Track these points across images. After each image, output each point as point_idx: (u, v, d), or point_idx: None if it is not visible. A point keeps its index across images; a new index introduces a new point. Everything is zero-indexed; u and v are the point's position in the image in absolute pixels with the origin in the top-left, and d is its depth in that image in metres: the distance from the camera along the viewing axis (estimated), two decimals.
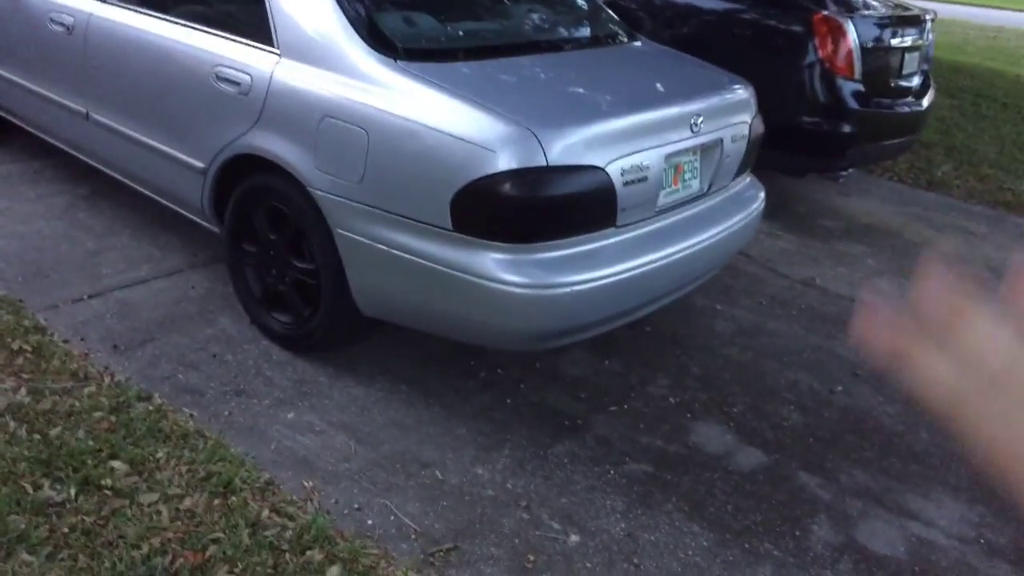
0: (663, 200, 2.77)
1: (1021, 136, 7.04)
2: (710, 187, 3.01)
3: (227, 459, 2.41)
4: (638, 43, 3.56)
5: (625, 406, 2.96)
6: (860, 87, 4.44)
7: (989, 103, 8.06)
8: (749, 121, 3.17)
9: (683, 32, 4.74)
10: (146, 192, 3.56)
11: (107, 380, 2.73)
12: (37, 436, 2.41)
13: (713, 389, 3.12)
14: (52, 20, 3.70)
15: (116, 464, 2.33)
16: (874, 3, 4.98)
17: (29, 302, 3.14)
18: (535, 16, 3.66)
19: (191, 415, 2.63)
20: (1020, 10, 18.81)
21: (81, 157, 3.89)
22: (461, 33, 3.23)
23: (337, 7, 2.77)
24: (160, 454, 2.40)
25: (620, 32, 3.56)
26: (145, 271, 3.48)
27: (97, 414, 2.54)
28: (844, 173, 4.88)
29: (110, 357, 2.89)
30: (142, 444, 2.43)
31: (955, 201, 5.57)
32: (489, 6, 3.68)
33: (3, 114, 4.38)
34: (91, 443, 2.40)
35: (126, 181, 3.65)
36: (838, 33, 4.35)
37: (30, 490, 2.21)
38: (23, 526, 2.09)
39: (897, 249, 4.62)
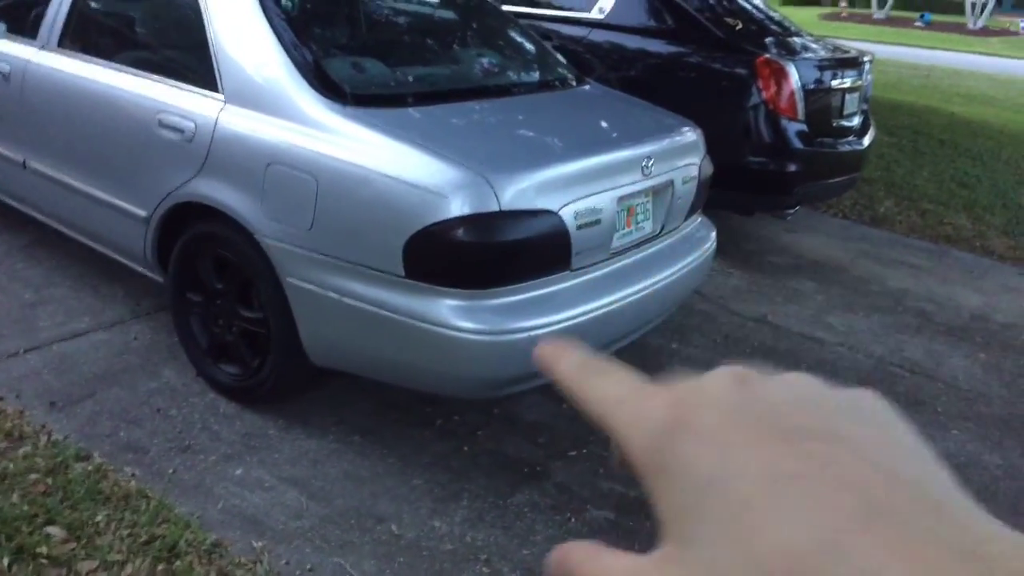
0: (617, 242, 2.77)
1: (959, 172, 7.26)
2: (663, 228, 3.02)
3: (171, 520, 2.31)
4: (587, 87, 3.59)
5: (584, 450, 2.92)
6: (804, 127, 4.53)
7: (926, 140, 8.30)
8: (698, 163, 3.20)
9: (630, 75, 4.80)
10: (87, 242, 3.45)
11: (44, 439, 2.60)
12: None
13: None
14: None
15: (53, 530, 2.21)
16: (814, 46, 5.12)
17: None
18: (484, 61, 3.67)
19: (133, 474, 2.52)
20: (948, 50, 19.61)
21: (19, 207, 3.76)
22: (410, 78, 3.22)
23: (283, 52, 2.74)
24: (100, 517, 2.29)
25: (569, 76, 3.59)
26: (85, 323, 3.36)
27: (33, 476, 2.42)
28: (791, 211, 4.97)
29: (47, 415, 2.76)
30: (80, 507, 2.31)
31: (898, 236, 5.70)
32: (438, 51, 3.69)
33: None
34: (26, 508, 2.28)
35: (66, 231, 3.54)
36: (780, 75, 4.45)
37: None
38: None
39: (846, 285, 4.69)
